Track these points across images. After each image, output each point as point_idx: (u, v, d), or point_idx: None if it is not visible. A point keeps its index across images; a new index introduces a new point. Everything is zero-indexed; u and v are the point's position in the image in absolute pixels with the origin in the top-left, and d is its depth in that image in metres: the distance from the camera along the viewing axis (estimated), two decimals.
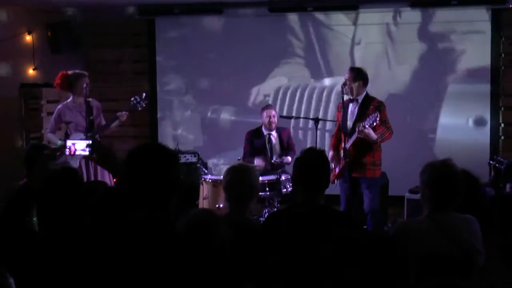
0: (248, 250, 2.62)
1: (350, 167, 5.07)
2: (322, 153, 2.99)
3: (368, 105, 5.12)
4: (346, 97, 5.12)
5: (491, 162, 4.46)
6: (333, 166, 5.32)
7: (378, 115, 4.85)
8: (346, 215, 2.88)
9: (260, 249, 2.78)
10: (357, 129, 4.94)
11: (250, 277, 2.50)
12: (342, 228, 2.74)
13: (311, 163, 2.89)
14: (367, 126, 4.86)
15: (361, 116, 5.09)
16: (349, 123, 5.15)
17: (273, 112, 6.25)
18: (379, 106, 5.08)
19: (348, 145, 5.03)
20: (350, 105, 5.21)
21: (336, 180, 5.29)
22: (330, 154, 5.34)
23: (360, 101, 5.15)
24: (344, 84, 5.10)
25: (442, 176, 2.74)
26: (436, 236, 2.69)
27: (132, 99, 5.78)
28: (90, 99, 5.69)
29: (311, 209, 2.84)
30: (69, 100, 5.71)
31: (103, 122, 5.69)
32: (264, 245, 2.79)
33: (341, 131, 5.22)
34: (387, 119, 5.06)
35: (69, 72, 5.65)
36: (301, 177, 2.91)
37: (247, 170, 3.05)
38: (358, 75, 5.16)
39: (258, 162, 6.11)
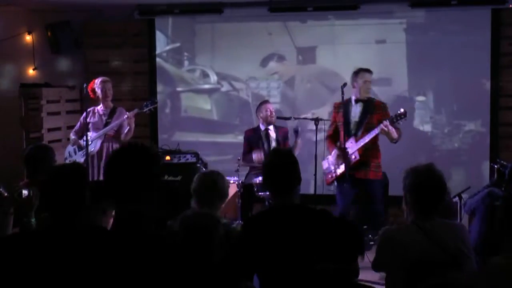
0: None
1: (354, 168, 5.07)
2: (288, 152, 2.98)
3: (372, 104, 5.14)
4: (346, 98, 5.12)
5: (494, 165, 4.48)
6: (332, 168, 5.30)
7: (406, 112, 4.89)
8: (323, 212, 2.83)
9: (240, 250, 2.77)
10: (382, 124, 4.92)
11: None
12: (319, 224, 2.70)
13: (279, 165, 2.85)
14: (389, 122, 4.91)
15: (365, 114, 5.10)
16: (354, 123, 5.15)
17: (271, 107, 6.27)
18: (385, 107, 5.11)
19: (361, 144, 5.04)
20: (354, 105, 5.20)
21: (335, 182, 5.28)
22: (334, 153, 5.30)
23: (365, 100, 5.18)
24: (344, 85, 5.09)
25: (426, 180, 2.69)
26: (423, 243, 2.64)
27: (144, 103, 6.06)
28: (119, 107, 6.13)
29: (287, 209, 2.81)
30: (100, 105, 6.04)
31: (126, 128, 5.89)
32: (245, 247, 2.77)
33: (343, 132, 5.20)
34: None
35: (95, 80, 5.97)
36: (271, 180, 2.87)
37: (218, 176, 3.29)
38: None
39: (255, 156, 6.06)
